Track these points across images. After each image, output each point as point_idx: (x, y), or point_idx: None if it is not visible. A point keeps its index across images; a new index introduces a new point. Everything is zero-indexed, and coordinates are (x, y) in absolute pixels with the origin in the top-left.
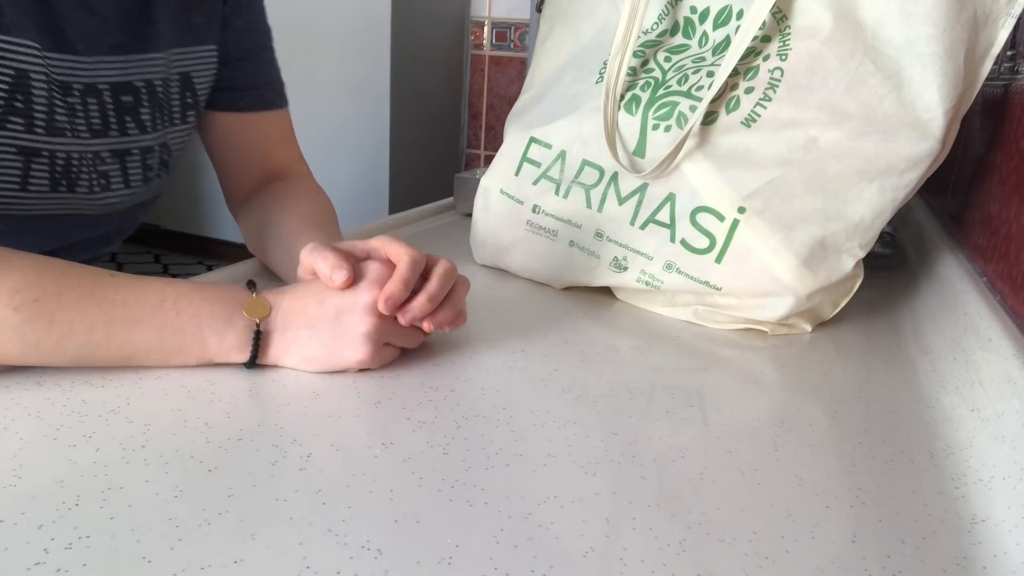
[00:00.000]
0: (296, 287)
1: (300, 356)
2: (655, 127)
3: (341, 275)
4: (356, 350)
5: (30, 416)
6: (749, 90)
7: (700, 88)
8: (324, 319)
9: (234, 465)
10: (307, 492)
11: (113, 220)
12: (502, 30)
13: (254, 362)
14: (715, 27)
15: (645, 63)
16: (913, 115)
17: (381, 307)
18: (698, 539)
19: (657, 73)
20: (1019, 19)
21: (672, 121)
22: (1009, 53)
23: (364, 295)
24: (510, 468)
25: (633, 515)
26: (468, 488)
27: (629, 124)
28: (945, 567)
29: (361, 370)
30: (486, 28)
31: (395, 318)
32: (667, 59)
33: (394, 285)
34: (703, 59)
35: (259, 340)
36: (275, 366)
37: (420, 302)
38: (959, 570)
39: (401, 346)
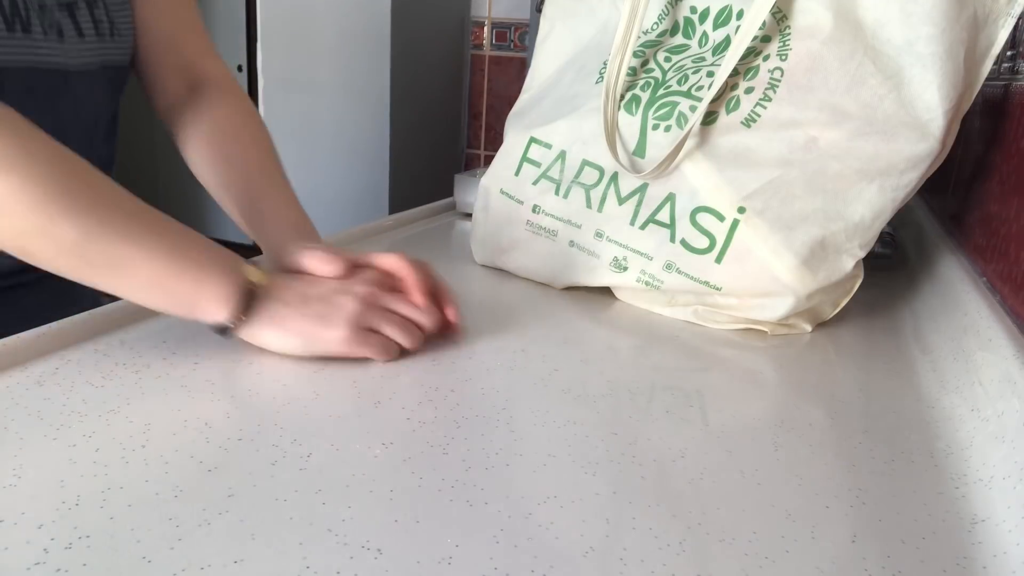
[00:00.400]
0: (295, 274)
1: (280, 330)
2: (655, 127)
3: (334, 267)
4: (336, 328)
5: (30, 416)
6: (749, 90)
7: (700, 88)
8: (316, 298)
9: (234, 465)
10: (307, 492)
11: (89, 83)
12: (502, 30)
13: (234, 324)
14: (715, 27)
15: (645, 63)
16: (913, 115)
17: (428, 326)
18: (698, 539)
19: (657, 73)
20: (1019, 19)
21: (672, 121)
22: (1009, 53)
23: (360, 286)
24: (510, 468)
25: (633, 515)
26: (468, 488)
27: (629, 124)
28: (945, 567)
29: (361, 363)
30: (486, 28)
31: (384, 308)
32: (667, 59)
33: (419, 297)
34: (703, 59)
35: (248, 300)
36: (267, 355)
37: (448, 295)
38: (959, 570)
39: (392, 338)
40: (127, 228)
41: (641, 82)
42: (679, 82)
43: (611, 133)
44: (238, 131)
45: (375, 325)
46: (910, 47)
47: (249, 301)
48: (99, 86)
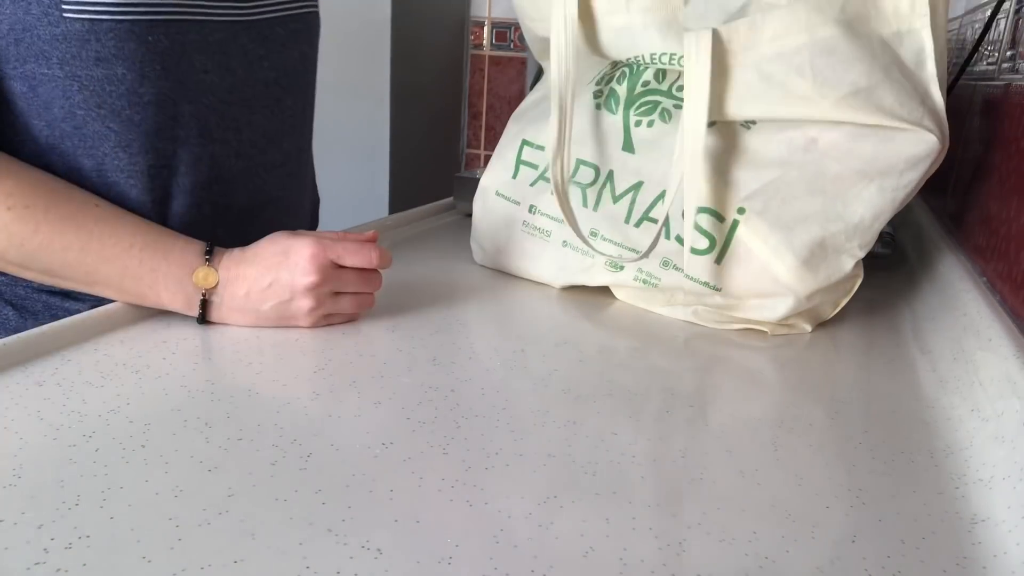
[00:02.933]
0: (246, 258)
1: (244, 321)
2: (638, 124)
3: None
4: (299, 322)
5: (30, 416)
6: None
7: (680, 89)
8: (270, 301)
9: (234, 465)
10: (307, 492)
11: (261, 47)
12: (502, 30)
13: (201, 319)
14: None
15: (607, 82)
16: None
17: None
18: (698, 539)
19: (626, 70)
20: (1019, 18)
21: (655, 116)
22: (1009, 53)
23: (306, 279)
24: (510, 468)
25: (633, 515)
26: (468, 488)
27: (612, 123)
28: (945, 567)
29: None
30: (486, 28)
31: (334, 293)
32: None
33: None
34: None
35: (205, 307)
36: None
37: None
38: (959, 570)
39: (349, 312)
40: (81, 260)
41: (617, 74)
42: (657, 79)
43: (571, 218)
44: None
45: (332, 309)
46: (855, 88)
47: (205, 306)
48: (284, 63)
